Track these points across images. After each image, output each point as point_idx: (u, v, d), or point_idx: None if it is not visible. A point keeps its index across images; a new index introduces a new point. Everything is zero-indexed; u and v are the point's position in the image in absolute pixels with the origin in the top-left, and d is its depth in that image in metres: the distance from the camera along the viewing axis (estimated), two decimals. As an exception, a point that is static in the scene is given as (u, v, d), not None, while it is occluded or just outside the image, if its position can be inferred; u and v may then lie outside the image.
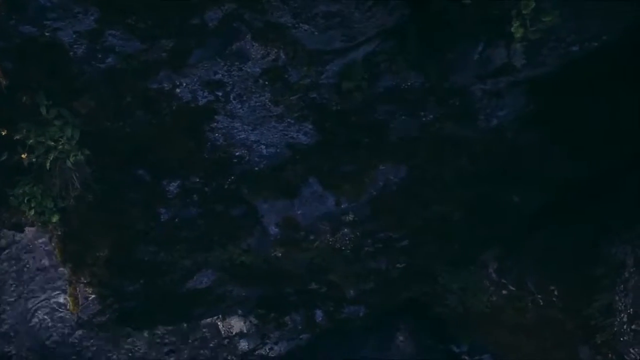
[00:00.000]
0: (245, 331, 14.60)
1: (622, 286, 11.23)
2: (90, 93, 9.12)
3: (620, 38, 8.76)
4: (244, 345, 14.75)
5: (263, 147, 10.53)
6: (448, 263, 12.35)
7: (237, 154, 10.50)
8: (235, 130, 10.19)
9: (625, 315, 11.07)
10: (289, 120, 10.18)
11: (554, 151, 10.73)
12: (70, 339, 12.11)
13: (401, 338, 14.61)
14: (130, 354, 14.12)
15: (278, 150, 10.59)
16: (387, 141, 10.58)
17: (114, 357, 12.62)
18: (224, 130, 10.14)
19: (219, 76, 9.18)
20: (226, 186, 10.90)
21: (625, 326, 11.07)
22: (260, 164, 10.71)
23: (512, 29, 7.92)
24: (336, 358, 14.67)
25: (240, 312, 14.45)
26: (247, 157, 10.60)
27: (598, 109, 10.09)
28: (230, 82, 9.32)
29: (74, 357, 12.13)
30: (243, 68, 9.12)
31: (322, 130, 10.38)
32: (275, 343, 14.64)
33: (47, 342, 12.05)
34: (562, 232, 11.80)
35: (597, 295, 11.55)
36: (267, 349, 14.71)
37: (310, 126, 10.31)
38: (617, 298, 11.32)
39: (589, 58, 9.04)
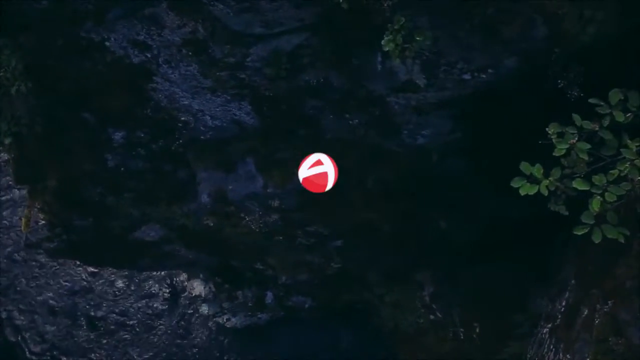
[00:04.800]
0: (203, 295, 15.17)
1: (534, 337, 10.83)
2: (31, 30, 9.89)
3: (509, 76, 8.48)
4: (204, 309, 15.34)
5: (208, 117, 10.97)
6: (383, 275, 12.29)
7: (182, 118, 11.00)
8: (177, 96, 10.69)
9: (528, 367, 10.70)
10: (225, 96, 10.55)
11: (481, 185, 10.46)
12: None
13: (351, 344, 14.64)
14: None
15: (224, 124, 11.00)
16: (323, 137, 10.72)
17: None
18: (166, 93, 10.66)
19: (142, 37, 9.70)
20: (173, 148, 11.43)
21: (524, 378, 10.70)
22: (207, 133, 11.16)
23: (383, 42, 7.90)
24: (288, 351, 14.94)
25: (202, 276, 15.04)
26: (193, 124, 11.08)
27: (520, 148, 9.73)
28: (155, 46, 9.82)
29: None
30: (162, 34, 9.59)
31: (260, 113, 10.69)
32: (234, 315, 15.09)
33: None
34: (496, 271, 11.49)
35: (512, 342, 11.22)
36: (224, 318, 15.20)
37: (249, 107, 10.64)
38: (528, 348, 10.93)
39: (489, 91, 8.80)
